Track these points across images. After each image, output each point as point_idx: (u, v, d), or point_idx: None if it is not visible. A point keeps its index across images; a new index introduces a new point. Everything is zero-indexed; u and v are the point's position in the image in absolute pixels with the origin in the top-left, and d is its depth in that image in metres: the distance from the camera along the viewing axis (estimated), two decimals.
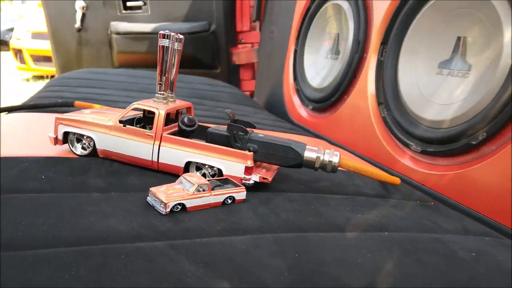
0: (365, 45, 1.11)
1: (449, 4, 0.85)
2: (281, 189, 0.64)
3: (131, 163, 0.66)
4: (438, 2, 0.87)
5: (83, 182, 0.57)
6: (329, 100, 1.23)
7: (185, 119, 0.67)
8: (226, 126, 0.64)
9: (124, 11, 2.24)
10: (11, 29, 6.38)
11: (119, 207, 0.50)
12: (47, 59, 4.88)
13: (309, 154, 0.63)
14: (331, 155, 0.63)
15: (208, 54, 2.14)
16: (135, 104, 0.65)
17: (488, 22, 0.76)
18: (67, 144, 0.68)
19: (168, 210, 0.50)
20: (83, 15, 2.31)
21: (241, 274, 0.39)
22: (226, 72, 2.16)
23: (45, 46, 4.57)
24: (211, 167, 0.62)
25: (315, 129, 1.30)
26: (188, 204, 0.51)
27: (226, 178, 0.60)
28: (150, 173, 0.64)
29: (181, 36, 0.66)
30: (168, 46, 0.64)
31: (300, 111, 1.42)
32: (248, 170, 0.60)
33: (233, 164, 0.61)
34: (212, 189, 0.54)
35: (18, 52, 5.25)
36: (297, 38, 1.50)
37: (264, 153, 0.63)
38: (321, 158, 0.62)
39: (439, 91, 0.85)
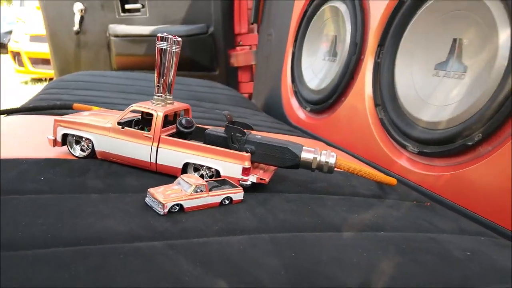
0: (362, 47, 1.12)
1: (445, 6, 0.85)
2: (278, 189, 0.65)
3: (130, 165, 0.66)
4: (434, 4, 0.88)
5: (81, 183, 0.58)
6: (327, 102, 1.24)
7: (183, 121, 0.68)
8: (223, 128, 0.65)
9: (122, 14, 2.25)
10: (10, 32, 6.39)
11: (117, 208, 0.51)
12: (45, 61, 4.89)
13: (306, 155, 0.63)
14: (328, 156, 0.63)
15: (206, 56, 2.15)
16: (134, 106, 0.66)
17: (483, 24, 0.77)
18: (66, 146, 0.69)
19: (166, 210, 0.50)
20: (82, 17, 2.31)
21: (238, 273, 0.39)
22: (224, 74, 2.17)
23: (44, 49, 4.57)
24: (209, 168, 0.63)
25: (313, 130, 1.31)
26: (186, 204, 0.52)
27: (224, 179, 0.60)
28: (148, 174, 0.65)
29: (179, 39, 0.67)
30: (166, 49, 0.65)
31: (298, 113, 1.43)
32: (245, 171, 0.61)
33: (230, 165, 0.61)
34: (210, 190, 0.55)
35: (16, 55, 5.26)
36: (295, 40, 1.50)
37: (261, 154, 0.63)
38: (318, 159, 0.63)
39: (435, 92, 0.86)
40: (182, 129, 0.67)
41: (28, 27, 5.33)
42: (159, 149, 0.64)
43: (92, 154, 0.68)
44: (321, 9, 1.36)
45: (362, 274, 0.42)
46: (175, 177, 0.57)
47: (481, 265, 0.47)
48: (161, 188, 0.53)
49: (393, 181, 0.71)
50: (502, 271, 0.47)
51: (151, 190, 0.53)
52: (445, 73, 0.84)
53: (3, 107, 1.01)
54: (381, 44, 1.03)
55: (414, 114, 0.89)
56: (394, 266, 0.44)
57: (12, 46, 5.30)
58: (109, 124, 0.66)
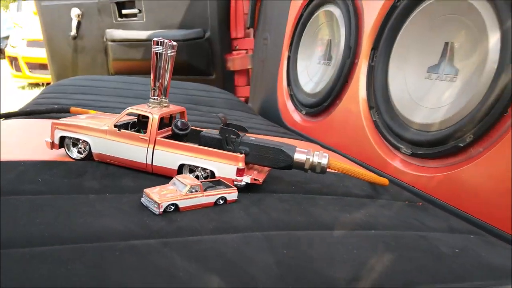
0: (356, 51, 1.13)
1: (436, 10, 0.87)
2: (272, 190, 0.66)
3: (126, 166, 0.67)
4: (426, 8, 0.89)
5: (79, 184, 0.59)
6: (322, 105, 1.25)
7: (179, 123, 0.69)
8: (218, 130, 0.66)
9: (119, 19, 2.26)
10: (7, 37, 6.39)
11: (114, 207, 0.52)
12: (42, 66, 4.90)
13: (299, 156, 0.64)
14: (320, 157, 0.64)
15: (203, 60, 2.16)
16: (130, 109, 0.67)
17: (474, 27, 0.78)
18: (63, 148, 0.70)
19: (162, 210, 0.51)
20: (79, 22, 2.32)
21: (231, 268, 0.40)
22: (221, 78, 2.18)
23: (41, 54, 4.59)
24: (204, 169, 0.64)
25: (308, 133, 1.32)
26: (181, 204, 0.53)
27: (218, 180, 0.61)
28: (144, 175, 0.66)
29: (174, 43, 0.68)
30: (162, 53, 0.66)
31: (294, 116, 1.44)
32: (239, 172, 0.62)
33: (225, 166, 0.62)
34: (205, 190, 0.56)
35: (13, 60, 5.25)
36: (291, 44, 1.52)
37: (255, 155, 0.64)
38: (311, 160, 0.64)
39: (428, 95, 0.87)
40: (178, 131, 0.68)
41: (25, 32, 5.33)
42: (155, 150, 0.65)
43: (89, 156, 0.69)
44: (316, 14, 1.38)
45: (352, 270, 0.43)
46: (170, 178, 0.58)
47: (469, 262, 0.48)
48: (157, 188, 0.54)
49: (385, 181, 0.72)
50: (489, 268, 0.48)
51: (146, 190, 0.54)
52: (437, 76, 0.86)
53: (1, 112, 1.02)
54: (374, 48, 1.05)
55: (407, 116, 0.91)
56: (383, 263, 0.45)
57: (9, 51, 5.30)
58: (105, 127, 0.67)
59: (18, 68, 5.24)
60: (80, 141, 0.69)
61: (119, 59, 2.30)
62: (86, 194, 0.55)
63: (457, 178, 0.76)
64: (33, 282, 0.35)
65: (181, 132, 0.68)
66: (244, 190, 0.62)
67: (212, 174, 0.63)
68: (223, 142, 0.65)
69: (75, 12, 2.29)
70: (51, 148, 0.70)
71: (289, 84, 1.50)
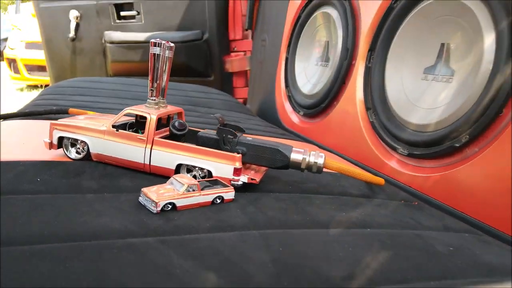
0: (354, 52, 1.14)
1: (433, 12, 0.87)
2: (269, 189, 0.66)
3: (124, 166, 0.68)
4: (422, 9, 0.90)
5: (77, 184, 0.59)
6: (320, 106, 1.26)
7: (176, 124, 0.69)
8: (216, 130, 0.66)
9: (118, 21, 2.27)
10: (5, 39, 6.38)
11: (112, 206, 0.52)
12: (41, 68, 4.89)
13: (295, 156, 0.65)
14: (317, 157, 0.65)
15: (201, 62, 2.16)
16: (128, 110, 0.67)
17: (469, 28, 0.79)
18: (61, 148, 0.70)
19: (159, 209, 0.52)
20: (77, 24, 2.33)
21: (227, 265, 0.41)
22: (219, 80, 2.18)
23: (39, 56, 4.58)
24: (201, 169, 0.64)
25: (306, 134, 1.33)
26: (179, 203, 0.53)
27: (216, 179, 0.62)
28: (142, 175, 0.66)
29: (172, 44, 0.68)
30: (160, 54, 0.67)
31: (292, 117, 1.45)
32: (236, 171, 0.62)
33: (222, 166, 0.63)
34: (202, 189, 0.56)
35: (12, 62, 5.25)
36: (288, 46, 1.53)
37: (252, 155, 0.65)
38: (307, 160, 0.65)
39: (424, 96, 0.88)
40: (175, 132, 0.69)
41: (23, 34, 5.33)
42: (152, 151, 0.65)
43: (87, 156, 0.69)
44: (313, 15, 1.39)
45: (348, 268, 0.43)
46: (168, 178, 0.59)
47: (463, 260, 0.49)
48: (155, 187, 0.55)
49: (381, 181, 0.72)
50: (483, 265, 0.48)
51: (144, 189, 0.54)
52: (434, 77, 0.86)
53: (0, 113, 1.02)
54: (371, 49, 1.06)
55: (404, 117, 0.91)
56: (378, 261, 0.46)
57: (7, 53, 5.29)
58: (104, 127, 0.68)
59: (16, 70, 5.23)
60: (79, 142, 0.69)
61: (118, 61, 2.30)
62: (85, 194, 0.56)
63: (453, 178, 0.77)
64: (32, 279, 0.35)
65: (179, 132, 0.69)
66: (241, 189, 0.63)
67: (210, 173, 0.64)
68: (220, 142, 0.65)
69: (73, 14, 2.29)
70: (50, 149, 0.70)
71: (287, 85, 1.51)
